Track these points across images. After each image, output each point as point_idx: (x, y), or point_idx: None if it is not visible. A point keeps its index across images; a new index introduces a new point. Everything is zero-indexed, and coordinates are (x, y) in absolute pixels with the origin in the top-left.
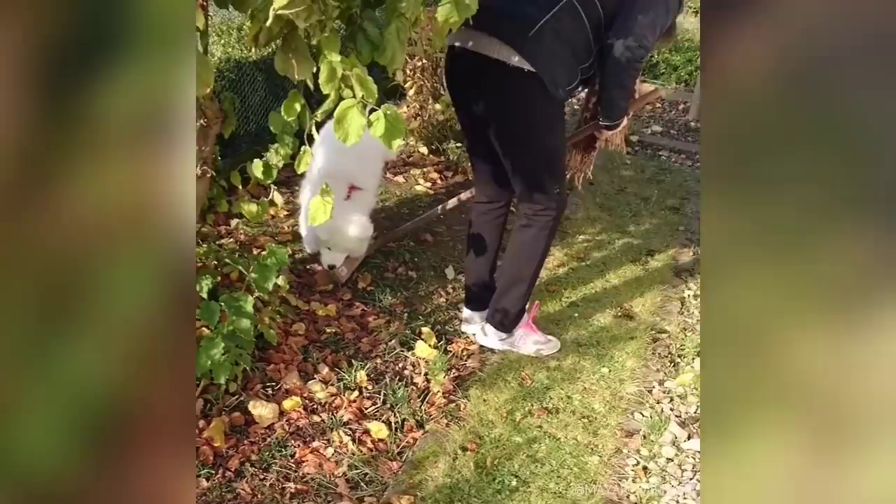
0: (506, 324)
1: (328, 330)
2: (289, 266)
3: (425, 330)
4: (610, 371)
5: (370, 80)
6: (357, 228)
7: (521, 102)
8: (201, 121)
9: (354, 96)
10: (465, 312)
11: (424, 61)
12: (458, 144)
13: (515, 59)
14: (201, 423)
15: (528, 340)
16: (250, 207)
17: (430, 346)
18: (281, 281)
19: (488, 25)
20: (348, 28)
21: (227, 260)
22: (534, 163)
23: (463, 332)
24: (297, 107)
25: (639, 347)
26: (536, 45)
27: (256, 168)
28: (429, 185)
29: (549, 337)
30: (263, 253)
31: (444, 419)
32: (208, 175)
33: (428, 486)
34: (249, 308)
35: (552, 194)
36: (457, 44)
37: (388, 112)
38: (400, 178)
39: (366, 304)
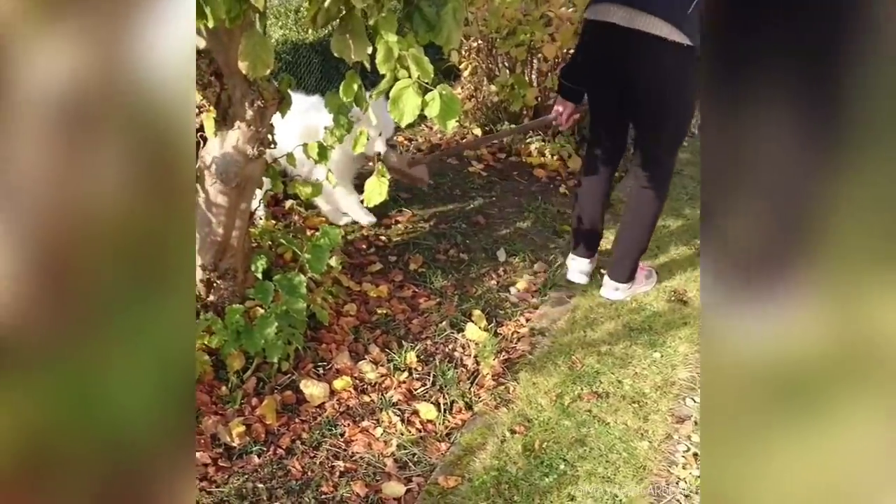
0: (629, 274)
1: (379, 311)
2: (341, 247)
3: (476, 312)
4: (662, 356)
5: (426, 60)
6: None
7: (677, 75)
8: (259, 102)
9: (410, 76)
10: (578, 262)
11: (479, 42)
12: (513, 126)
13: (675, 35)
14: (254, 401)
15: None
16: (304, 188)
17: (480, 328)
18: (333, 262)
19: (640, 1)
20: (405, 8)
21: (281, 240)
22: (674, 130)
23: (572, 281)
24: (355, 87)
25: (692, 333)
26: (692, 18)
27: (312, 149)
28: (482, 166)
29: (640, 274)
30: (317, 234)
31: (492, 401)
32: (264, 156)
33: (476, 468)
34: (302, 288)
35: (673, 159)
36: (605, 19)
37: (444, 92)
38: (453, 160)
39: (417, 286)
